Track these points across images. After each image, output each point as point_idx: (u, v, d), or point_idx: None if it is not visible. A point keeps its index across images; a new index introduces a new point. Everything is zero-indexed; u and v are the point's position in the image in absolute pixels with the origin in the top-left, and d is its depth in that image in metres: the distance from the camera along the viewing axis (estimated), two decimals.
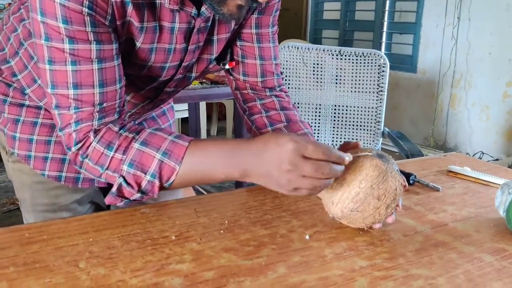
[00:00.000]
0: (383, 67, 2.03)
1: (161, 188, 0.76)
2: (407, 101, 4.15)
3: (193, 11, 0.80)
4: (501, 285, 0.62)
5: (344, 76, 2.10)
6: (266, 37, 0.97)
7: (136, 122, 1.03)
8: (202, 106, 3.79)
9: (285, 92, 1.05)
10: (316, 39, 4.97)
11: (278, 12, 0.97)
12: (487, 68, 3.54)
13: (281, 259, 0.66)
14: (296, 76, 2.11)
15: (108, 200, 0.77)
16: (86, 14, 0.69)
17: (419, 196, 0.93)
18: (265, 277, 0.62)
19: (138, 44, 0.80)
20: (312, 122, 2.12)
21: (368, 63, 2.05)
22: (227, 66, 0.97)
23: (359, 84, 2.07)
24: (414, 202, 0.90)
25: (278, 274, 0.63)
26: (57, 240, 0.69)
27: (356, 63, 2.07)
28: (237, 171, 0.73)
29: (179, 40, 0.84)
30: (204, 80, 2.33)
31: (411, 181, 0.98)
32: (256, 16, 0.94)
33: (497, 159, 3.44)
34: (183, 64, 0.89)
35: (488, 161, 3.13)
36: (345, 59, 2.08)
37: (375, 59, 2.04)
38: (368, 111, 2.06)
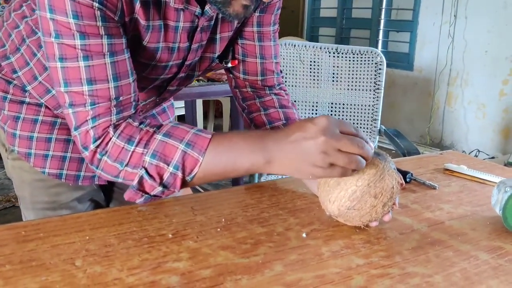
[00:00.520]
0: (380, 65, 2.03)
1: (183, 182, 0.74)
2: (404, 99, 4.16)
3: (197, 10, 0.80)
4: (497, 283, 0.63)
5: (341, 74, 2.10)
6: (267, 36, 0.97)
7: None
8: (199, 103, 3.79)
9: (284, 90, 1.05)
10: (313, 37, 4.98)
11: (279, 11, 0.97)
12: (484, 66, 3.55)
13: (278, 257, 0.66)
14: (292, 74, 2.11)
15: (127, 195, 0.75)
16: (96, 8, 0.69)
17: (416, 194, 0.93)
18: (262, 275, 0.62)
19: (144, 42, 0.80)
20: None
21: (364, 61, 2.05)
22: (229, 65, 0.97)
23: (355, 82, 2.07)
24: (410, 200, 0.90)
25: (275, 272, 0.63)
26: (54, 238, 0.69)
27: (353, 61, 2.07)
28: (262, 157, 0.72)
29: (182, 39, 0.84)
30: (200, 78, 2.33)
31: (407, 179, 0.99)
32: (258, 14, 0.94)
33: (493, 157, 3.46)
34: (186, 63, 0.89)
35: (484, 159, 3.14)
36: (342, 57, 2.08)
37: (372, 57, 2.04)
38: (365, 109, 2.06)
